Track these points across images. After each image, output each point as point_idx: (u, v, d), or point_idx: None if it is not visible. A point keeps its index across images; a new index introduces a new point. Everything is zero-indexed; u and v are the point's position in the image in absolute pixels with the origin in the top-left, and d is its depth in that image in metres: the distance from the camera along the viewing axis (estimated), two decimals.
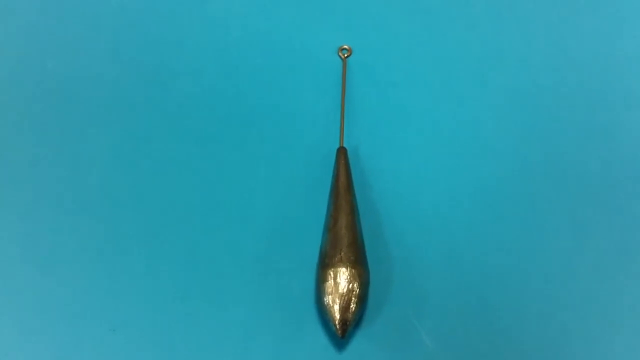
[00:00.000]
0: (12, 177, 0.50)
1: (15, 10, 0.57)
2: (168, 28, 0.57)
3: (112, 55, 0.55)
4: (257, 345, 0.45)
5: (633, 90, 0.54)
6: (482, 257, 0.48)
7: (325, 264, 0.45)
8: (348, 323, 0.43)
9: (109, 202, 0.49)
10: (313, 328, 0.45)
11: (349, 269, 0.44)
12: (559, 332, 0.45)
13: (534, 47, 0.56)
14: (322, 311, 0.44)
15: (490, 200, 0.50)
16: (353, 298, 0.44)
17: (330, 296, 0.44)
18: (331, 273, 0.44)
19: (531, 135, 0.52)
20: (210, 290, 0.46)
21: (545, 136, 0.52)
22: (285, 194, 0.50)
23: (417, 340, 0.45)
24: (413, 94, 0.54)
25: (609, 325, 0.46)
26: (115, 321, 0.45)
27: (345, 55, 0.55)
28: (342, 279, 0.44)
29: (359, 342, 0.45)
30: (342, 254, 0.45)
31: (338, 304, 0.43)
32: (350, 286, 0.44)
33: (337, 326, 0.43)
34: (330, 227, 0.46)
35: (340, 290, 0.44)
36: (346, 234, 0.45)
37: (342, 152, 0.49)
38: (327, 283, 0.44)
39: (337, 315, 0.43)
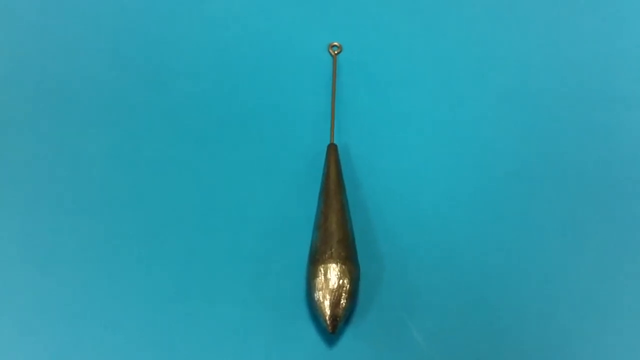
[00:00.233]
0: (12, 177, 0.51)
1: (15, 10, 0.58)
2: (162, 28, 0.57)
3: (110, 56, 0.56)
4: (248, 341, 0.45)
5: (633, 90, 0.54)
6: (473, 253, 0.48)
7: (315, 260, 0.45)
8: (338, 319, 0.44)
9: (106, 202, 0.50)
10: (303, 324, 0.46)
11: (339, 265, 0.44)
12: (554, 329, 0.46)
13: (525, 44, 0.56)
14: (313, 307, 0.45)
15: (481, 197, 0.50)
16: (343, 294, 0.44)
17: (320, 292, 0.44)
18: (322, 269, 0.44)
19: (530, 134, 0.52)
20: (203, 287, 0.47)
21: (543, 136, 0.52)
22: (276, 191, 0.50)
23: (408, 336, 0.45)
24: (403, 90, 0.54)
25: (607, 325, 0.46)
26: (110, 320, 0.46)
27: (336, 52, 0.55)
28: (332, 275, 0.44)
29: (349, 338, 0.45)
30: (333, 250, 0.45)
31: (328, 299, 0.44)
32: (341, 282, 0.44)
33: (328, 322, 0.44)
34: (321, 223, 0.46)
35: (331, 286, 0.44)
36: (337, 230, 0.46)
37: (332, 148, 0.49)
38: (318, 279, 0.44)
39: (328, 311, 0.44)
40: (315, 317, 0.45)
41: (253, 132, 0.52)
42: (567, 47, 0.56)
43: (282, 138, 0.52)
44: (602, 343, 0.45)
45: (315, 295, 0.44)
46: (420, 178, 0.51)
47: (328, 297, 0.44)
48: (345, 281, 0.44)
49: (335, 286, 0.44)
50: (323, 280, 0.44)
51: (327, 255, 0.45)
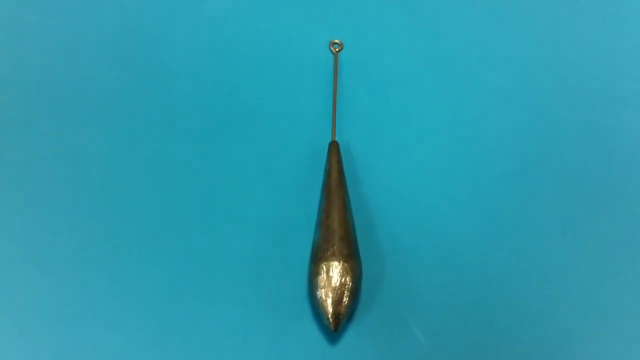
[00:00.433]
0: (12, 177, 0.51)
1: (15, 10, 0.58)
2: (161, 26, 0.57)
3: (109, 56, 0.56)
4: (250, 339, 0.45)
5: (633, 90, 0.54)
6: (474, 251, 0.48)
7: (317, 258, 0.45)
8: (341, 316, 0.44)
9: (105, 201, 0.50)
10: (305, 322, 0.46)
11: (341, 263, 0.44)
12: (554, 329, 0.46)
13: (525, 44, 0.56)
14: (315, 305, 0.44)
15: (482, 196, 0.50)
16: (345, 292, 0.44)
17: (323, 290, 0.44)
18: (324, 267, 0.44)
19: (530, 134, 0.52)
20: (203, 287, 0.47)
21: (543, 136, 0.52)
22: (277, 188, 0.50)
23: (409, 334, 0.45)
24: (405, 87, 0.54)
25: (607, 325, 0.46)
26: (110, 320, 0.46)
27: (337, 49, 0.55)
28: (334, 272, 0.44)
29: (351, 336, 0.45)
30: (335, 247, 0.45)
31: (331, 297, 0.44)
32: (343, 280, 0.44)
33: (330, 319, 0.44)
34: (323, 221, 0.46)
35: (333, 284, 0.44)
36: (338, 227, 0.46)
37: (334, 146, 0.49)
38: (320, 277, 0.44)
39: (330, 309, 0.44)
40: (318, 315, 0.45)
41: (254, 130, 0.52)
42: (567, 47, 0.56)
43: (283, 136, 0.52)
44: (602, 343, 0.45)
45: (318, 293, 0.44)
46: (421, 175, 0.51)
47: (330, 294, 0.44)
48: (348, 279, 0.44)
49: (338, 284, 0.44)
50: (325, 278, 0.44)
51: (329, 253, 0.45)
